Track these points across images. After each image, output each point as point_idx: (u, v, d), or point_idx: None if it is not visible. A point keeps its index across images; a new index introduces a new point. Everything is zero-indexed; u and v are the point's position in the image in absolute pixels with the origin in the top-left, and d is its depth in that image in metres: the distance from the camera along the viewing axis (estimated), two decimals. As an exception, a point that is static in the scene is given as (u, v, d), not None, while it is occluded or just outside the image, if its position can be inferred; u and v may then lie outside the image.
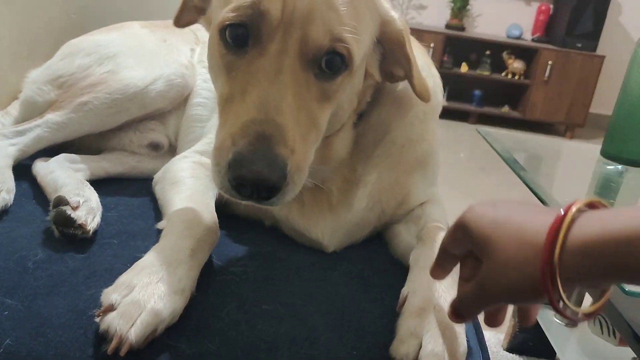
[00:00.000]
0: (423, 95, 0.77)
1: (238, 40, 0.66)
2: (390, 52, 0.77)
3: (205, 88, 1.08)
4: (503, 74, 4.89)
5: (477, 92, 4.89)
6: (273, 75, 0.63)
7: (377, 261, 0.84)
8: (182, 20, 0.85)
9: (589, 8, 4.62)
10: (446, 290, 0.67)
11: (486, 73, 4.85)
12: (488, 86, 4.98)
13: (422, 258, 0.73)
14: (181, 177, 0.84)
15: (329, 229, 0.82)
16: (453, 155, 3.95)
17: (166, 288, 0.60)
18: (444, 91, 4.20)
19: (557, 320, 1.57)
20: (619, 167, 1.42)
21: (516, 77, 4.84)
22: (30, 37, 1.15)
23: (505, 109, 4.92)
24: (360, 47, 0.69)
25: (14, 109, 1.06)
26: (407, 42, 0.75)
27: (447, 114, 4.71)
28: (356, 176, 0.84)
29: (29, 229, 0.78)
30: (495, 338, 1.78)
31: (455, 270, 0.74)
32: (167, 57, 1.05)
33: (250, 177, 0.58)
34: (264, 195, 0.61)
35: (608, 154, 1.44)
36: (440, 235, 0.77)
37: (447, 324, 0.62)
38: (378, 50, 0.76)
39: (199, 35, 1.17)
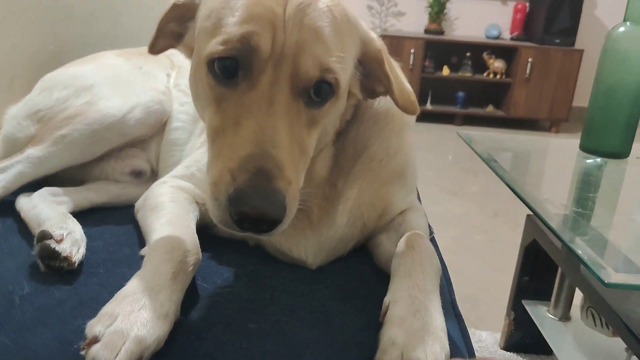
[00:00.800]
0: (407, 108, 0.79)
1: (227, 72, 0.66)
2: (371, 71, 0.78)
3: (182, 112, 1.08)
4: (485, 74, 4.93)
5: (460, 94, 4.93)
6: (266, 107, 0.64)
7: (362, 272, 0.85)
8: (157, 47, 0.84)
9: (565, 4, 4.69)
10: (427, 297, 0.68)
11: (468, 74, 4.90)
12: (471, 87, 5.03)
13: (402, 266, 0.74)
14: (161, 202, 0.84)
15: (311, 247, 0.83)
16: (440, 158, 3.97)
17: (149, 314, 0.60)
18: (428, 95, 4.19)
19: (550, 316, 1.59)
20: (598, 160, 1.44)
21: (498, 77, 4.88)
22: (8, 73, 1.16)
23: (490, 109, 4.96)
24: (346, 73, 0.71)
25: (-5, 146, 1.07)
26: (386, 60, 0.77)
27: (432, 117, 4.79)
28: (337, 192, 0.85)
29: (15, 263, 0.79)
30: (492, 337, 1.80)
31: (437, 277, 0.76)
32: (144, 84, 1.06)
33: (253, 214, 0.59)
34: (264, 229, 0.62)
35: (587, 148, 1.46)
36: (419, 243, 0.78)
37: (428, 330, 0.63)
38: (359, 70, 0.78)
39: (174, 60, 1.18)
